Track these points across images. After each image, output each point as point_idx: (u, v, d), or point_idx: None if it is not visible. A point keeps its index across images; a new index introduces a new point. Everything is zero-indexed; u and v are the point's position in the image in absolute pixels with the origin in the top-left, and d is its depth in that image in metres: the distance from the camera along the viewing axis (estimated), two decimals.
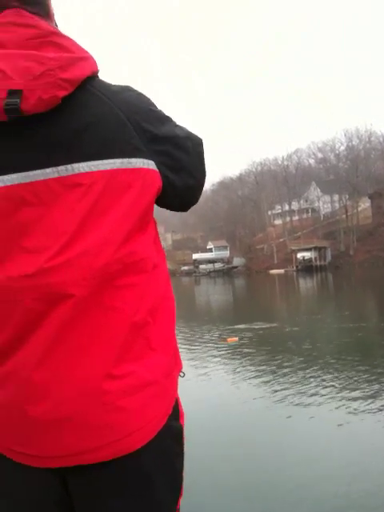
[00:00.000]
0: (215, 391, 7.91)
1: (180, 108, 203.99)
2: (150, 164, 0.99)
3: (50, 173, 0.90)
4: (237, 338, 12.88)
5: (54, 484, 1.02)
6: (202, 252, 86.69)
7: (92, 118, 0.94)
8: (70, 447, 0.96)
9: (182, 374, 1.21)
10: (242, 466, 4.72)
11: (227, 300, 31.84)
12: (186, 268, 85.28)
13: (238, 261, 78.19)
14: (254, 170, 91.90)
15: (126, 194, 0.95)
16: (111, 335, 0.95)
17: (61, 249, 0.90)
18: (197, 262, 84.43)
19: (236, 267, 76.18)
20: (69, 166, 0.90)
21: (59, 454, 0.96)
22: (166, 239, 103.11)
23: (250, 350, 11.49)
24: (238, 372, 9.22)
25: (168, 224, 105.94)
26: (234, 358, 10.61)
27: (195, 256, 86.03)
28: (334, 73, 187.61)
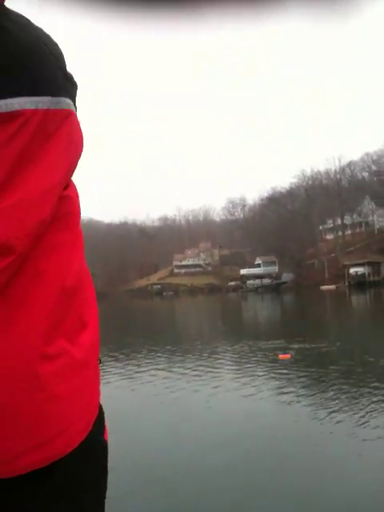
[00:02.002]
0: (266, 407, 7.86)
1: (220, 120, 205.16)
2: (72, 106, 0.86)
3: None
4: (289, 355, 12.56)
5: None
6: (249, 267, 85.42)
7: (17, 48, 0.79)
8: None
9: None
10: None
11: (276, 316, 31.10)
12: (232, 283, 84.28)
13: (287, 276, 76.43)
14: (304, 183, 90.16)
15: (57, 140, 0.81)
16: (43, 303, 0.80)
17: None
18: (244, 278, 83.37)
19: (285, 283, 74.40)
20: None
21: None
22: (213, 254, 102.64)
23: (302, 368, 11.10)
24: (289, 389, 8.89)
25: (215, 239, 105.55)
26: (285, 375, 10.35)
27: (243, 271, 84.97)
28: None
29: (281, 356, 12.39)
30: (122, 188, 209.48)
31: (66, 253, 0.85)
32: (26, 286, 0.78)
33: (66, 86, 0.84)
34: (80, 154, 0.88)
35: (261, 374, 10.65)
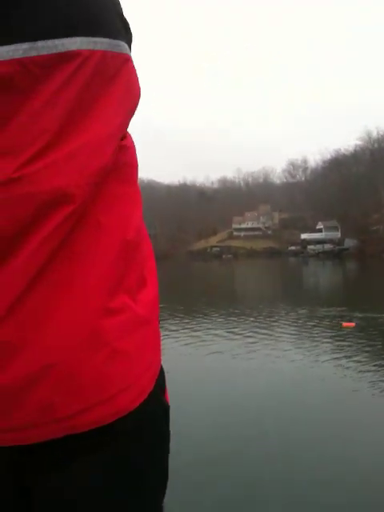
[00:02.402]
0: (327, 375, 7.65)
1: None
2: (130, 54, 0.80)
3: (26, 48, 0.67)
4: (353, 324, 12.21)
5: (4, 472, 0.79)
6: (310, 232, 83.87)
7: None
8: (57, 408, 0.71)
9: None
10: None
11: (338, 283, 30.38)
12: (293, 248, 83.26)
13: (349, 242, 74.38)
14: (370, 146, 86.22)
15: (116, 85, 0.76)
16: (106, 257, 0.76)
17: (44, 148, 0.68)
18: (305, 242, 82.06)
19: (347, 249, 72.54)
20: (50, 42, 0.69)
21: (36, 421, 0.71)
22: (273, 218, 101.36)
23: (365, 337, 10.72)
24: (352, 358, 8.70)
25: (274, 202, 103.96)
26: (348, 344, 10.00)
27: (304, 236, 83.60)
28: None
29: (345, 324, 12.10)
30: (182, 149, 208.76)
31: (126, 205, 0.81)
32: (87, 239, 0.74)
33: (123, 32, 0.79)
34: (137, 104, 0.83)
35: (323, 340, 10.44)
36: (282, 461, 4.39)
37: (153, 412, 0.83)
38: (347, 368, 7.97)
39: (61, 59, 0.69)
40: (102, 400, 0.73)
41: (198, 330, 12.25)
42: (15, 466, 0.77)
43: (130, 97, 0.80)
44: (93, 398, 0.73)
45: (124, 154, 0.80)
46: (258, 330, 11.97)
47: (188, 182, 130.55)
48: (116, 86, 0.76)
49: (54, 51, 0.68)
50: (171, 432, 0.90)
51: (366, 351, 9.32)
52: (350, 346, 9.86)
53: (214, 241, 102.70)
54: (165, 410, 0.88)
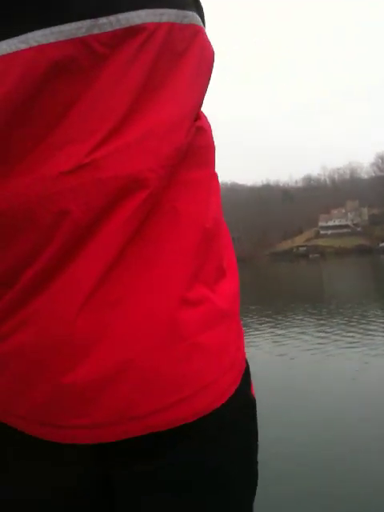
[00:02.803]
0: None
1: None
2: (202, 25, 0.73)
3: (88, 26, 0.62)
4: None
5: (91, 468, 0.74)
6: None
7: None
8: (135, 405, 0.66)
9: None
10: None
11: None
12: (383, 245, 78.62)
13: None
14: None
15: (187, 57, 0.70)
16: (184, 245, 0.70)
17: (113, 131, 0.64)
18: None
19: None
20: (113, 18, 0.63)
21: (115, 419, 0.67)
22: (362, 214, 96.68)
23: None
24: None
25: (362, 198, 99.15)
26: None
27: None
28: None
29: None
30: (263, 148, 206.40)
31: (204, 191, 0.74)
32: (164, 226, 0.69)
33: (192, 1, 0.72)
34: (210, 77, 0.76)
35: None
36: None
37: (239, 409, 0.77)
38: None
39: (125, 35, 0.64)
40: (181, 398, 0.68)
41: (287, 334, 11.43)
42: (98, 456, 0.73)
43: (205, 71, 0.74)
44: (172, 396, 0.67)
45: (199, 135, 0.73)
46: (353, 333, 10.96)
47: (271, 183, 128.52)
48: (187, 61, 0.70)
49: (118, 27, 0.63)
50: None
51: None
52: None
53: (299, 240, 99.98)
54: (252, 405, 0.82)
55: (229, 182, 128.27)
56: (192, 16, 0.70)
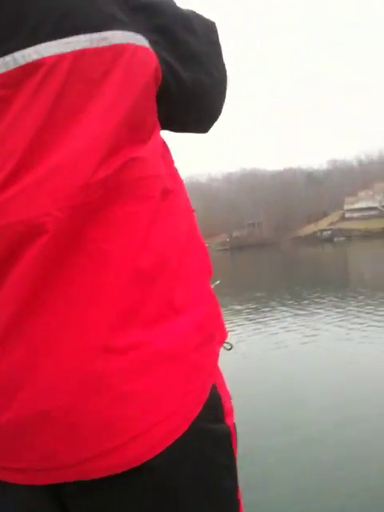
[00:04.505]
0: None
1: None
2: (137, 39, 0.68)
3: None
4: None
5: (43, 506, 0.74)
6: None
7: None
8: (60, 454, 0.66)
9: (226, 346, 0.92)
10: None
11: None
12: None
13: None
14: None
15: (105, 83, 0.65)
16: (108, 288, 0.66)
17: (10, 175, 0.61)
18: None
19: None
20: (9, 57, 0.61)
21: (44, 465, 0.67)
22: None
23: None
24: None
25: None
26: None
27: None
28: None
29: None
30: (285, 133, 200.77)
31: (138, 227, 0.68)
32: (86, 269, 0.65)
33: (125, 16, 0.67)
34: (152, 92, 0.70)
35: None
36: None
37: (193, 447, 0.72)
38: None
39: (25, 73, 0.61)
40: (110, 448, 0.66)
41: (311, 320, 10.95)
42: (50, 488, 0.72)
43: (133, 93, 0.67)
44: (99, 446, 0.66)
45: (135, 166, 0.68)
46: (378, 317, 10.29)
47: (294, 167, 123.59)
48: (105, 87, 0.65)
49: (14, 66, 0.61)
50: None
51: None
52: None
53: (324, 224, 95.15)
54: (220, 436, 0.77)
55: (248, 168, 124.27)
56: (114, 36, 0.65)
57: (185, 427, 0.70)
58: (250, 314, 12.72)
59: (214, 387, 0.76)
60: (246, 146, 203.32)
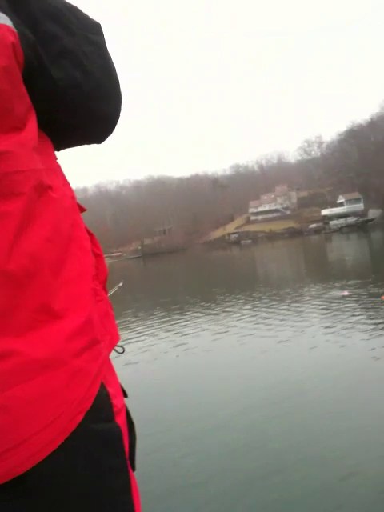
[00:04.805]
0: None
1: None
2: None
3: None
4: None
5: None
6: (331, 207, 79.93)
7: None
8: None
9: (118, 350, 0.91)
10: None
11: (367, 256, 27.77)
12: (314, 226, 79.59)
13: (374, 213, 70.46)
14: None
15: None
16: None
17: None
18: (326, 218, 78.34)
19: (372, 220, 68.55)
20: None
21: None
22: (291, 197, 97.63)
23: None
24: None
25: (290, 182, 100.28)
26: None
27: (324, 212, 79.81)
28: None
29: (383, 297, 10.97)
30: (190, 140, 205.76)
31: (5, 227, 0.64)
32: None
33: None
34: (17, 85, 0.67)
35: (364, 315, 9.29)
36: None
37: (80, 451, 0.71)
38: None
39: None
40: None
41: (222, 317, 11.48)
42: None
43: None
44: None
45: (1, 162, 0.64)
46: (286, 311, 11.12)
47: (200, 173, 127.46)
48: None
49: None
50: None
51: None
52: None
53: (231, 228, 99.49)
54: (109, 437, 0.76)
55: (156, 176, 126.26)
56: None
57: (67, 433, 0.68)
58: (163, 317, 13.15)
59: (103, 387, 0.75)
60: (152, 153, 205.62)
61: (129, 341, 10.33)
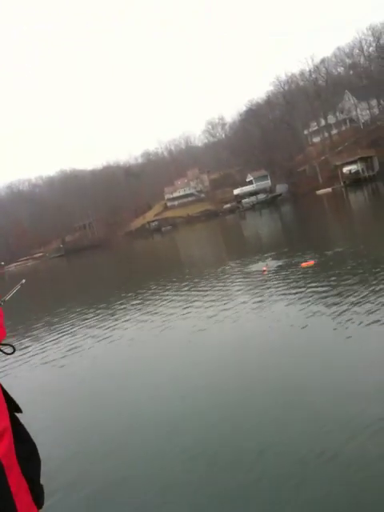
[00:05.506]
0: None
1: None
2: None
3: None
4: (313, 262, 12.26)
5: None
6: (241, 186, 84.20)
7: None
8: None
9: (6, 350, 0.88)
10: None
11: (279, 228, 30.74)
12: (228, 206, 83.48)
13: (281, 188, 75.33)
14: (281, 90, 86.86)
15: None
16: None
17: None
18: (239, 198, 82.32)
19: (280, 195, 73.50)
20: None
21: None
22: (203, 180, 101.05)
23: (327, 271, 10.90)
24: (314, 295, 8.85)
25: (201, 164, 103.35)
26: (311, 282, 10.14)
27: (236, 191, 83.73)
28: None
29: (303, 264, 12.18)
30: (98, 132, 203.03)
31: None
32: None
33: None
34: None
35: (282, 283, 10.57)
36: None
37: None
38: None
39: None
40: None
41: (159, 304, 12.08)
42: None
43: None
44: None
45: None
46: (215, 290, 11.89)
47: (112, 164, 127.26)
48: None
49: None
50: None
51: (340, 284, 9.27)
52: (310, 283, 9.98)
53: (150, 216, 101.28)
54: None
55: (68, 169, 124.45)
56: None
57: None
58: (94, 314, 13.40)
59: None
60: (61, 147, 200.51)
61: (50, 341, 11.01)
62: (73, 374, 8.22)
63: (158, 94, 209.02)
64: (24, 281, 1.84)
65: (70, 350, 9.95)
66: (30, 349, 11.09)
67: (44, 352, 10.44)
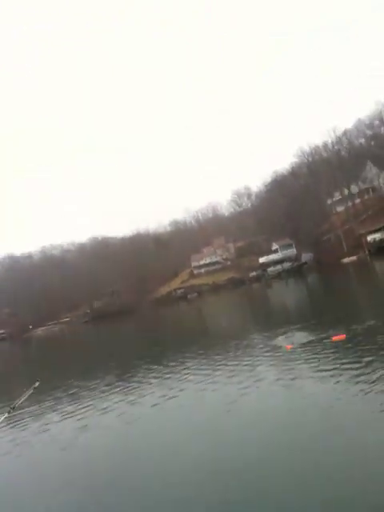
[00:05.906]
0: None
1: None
2: None
3: None
4: (343, 335, 12.22)
5: None
6: (267, 255, 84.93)
7: None
8: None
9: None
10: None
11: (306, 299, 30.48)
12: (254, 274, 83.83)
13: (306, 257, 75.74)
14: (305, 160, 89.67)
15: None
16: None
17: None
18: (264, 266, 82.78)
19: (305, 263, 73.78)
20: None
21: None
22: (229, 248, 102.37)
23: (361, 346, 10.86)
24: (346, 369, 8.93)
25: (227, 233, 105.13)
26: (344, 356, 10.13)
27: (261, 260, 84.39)
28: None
29: (334, 338, 12.14)
30: (129, 202, 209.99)
31: None
32: None
33: None
34: None
35: (311, 357, 10.65)
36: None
37: None
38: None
39: None
40: None
41: (180, 377, 12.26)
42: None
43: None
44: None
45: None
46: (239, 363, 11.98)
47: (141, 231, 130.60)
48: None
49: None
50: None
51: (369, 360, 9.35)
52: (345, 359, 10.00)
53: (176, 283, 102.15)
54: None
55: (100, 237, 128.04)
56: None
57: None
58: (117, 385, 13.52)
59: None
60: (92, 215, 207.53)
61: (79, 411, 11.20)
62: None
63: (188, 165, 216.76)
64: (38, 383, 1.81)
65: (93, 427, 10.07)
66: (34, 425, 11.27)
67: (53, 429, 10.58)
